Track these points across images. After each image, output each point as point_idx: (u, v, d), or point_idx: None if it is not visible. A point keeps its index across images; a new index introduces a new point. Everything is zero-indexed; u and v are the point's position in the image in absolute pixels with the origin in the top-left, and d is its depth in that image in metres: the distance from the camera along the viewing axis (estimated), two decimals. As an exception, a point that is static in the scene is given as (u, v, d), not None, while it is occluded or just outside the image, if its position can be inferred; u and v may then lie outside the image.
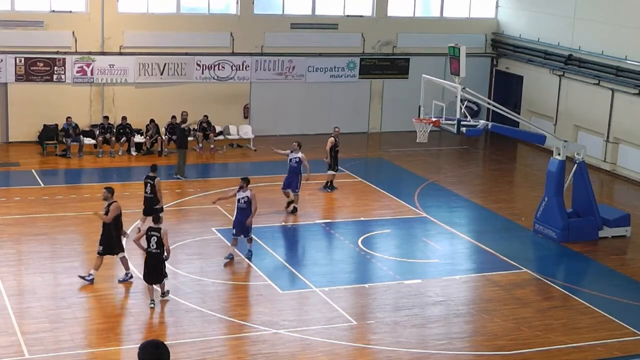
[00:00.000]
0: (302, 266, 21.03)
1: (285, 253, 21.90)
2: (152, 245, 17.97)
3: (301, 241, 23.35)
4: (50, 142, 30.06)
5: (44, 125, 30.35)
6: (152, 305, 18.02)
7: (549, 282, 20.60)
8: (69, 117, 29.92)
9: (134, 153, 30.41)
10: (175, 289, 19.10)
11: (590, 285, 20.79)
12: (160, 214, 18.99)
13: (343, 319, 18.10)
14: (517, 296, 19.71)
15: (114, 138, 30.23)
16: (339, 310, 18.43)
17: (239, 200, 20.82)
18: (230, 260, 20.70)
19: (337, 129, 27.33)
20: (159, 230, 17.98)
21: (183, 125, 28.52)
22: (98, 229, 21.29)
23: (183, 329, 17.35)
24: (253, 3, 33.07)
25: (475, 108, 30.45)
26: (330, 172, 26.75)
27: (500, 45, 36.40)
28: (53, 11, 30.81)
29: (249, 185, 20.90)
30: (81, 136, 30.14)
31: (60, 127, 30.28)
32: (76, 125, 30.17)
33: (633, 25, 29.93)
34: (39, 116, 30.51)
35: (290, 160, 24.74)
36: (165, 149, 30.37)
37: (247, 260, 20.81)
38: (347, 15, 34.51)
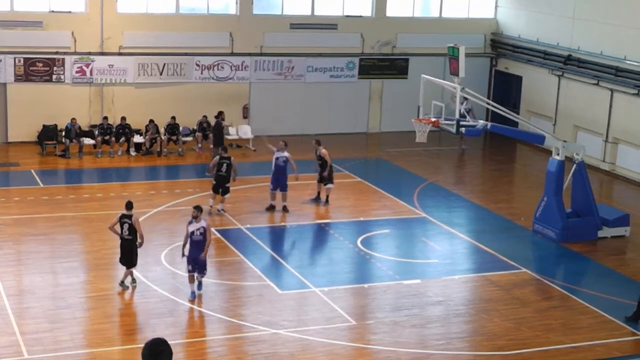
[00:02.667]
0: (301, 266, 21.03)
1: (284, 253, 21.89)
2: (125, 232, 18.88)
3: (301, 241, 23.35)
4: (50, 142, 30.06)
5: (44, 126, 30.34)
6: (122, 287, 18.92)
7: (548, 282, 20.61)
8: (74, 119, 29.85)
9: (133, 153, 30.40)
10: (175, 289, 19.13)
11: (590, 285, 20.80)
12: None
13: (342, 319, 18.11)
14: (517, 296, 19.71)
15: (113, 138, 30.23)
16: (338, 311, 18.44)
17: (192, 232, 18.46)
18: (194, 299, 18.58)
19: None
20: (130, 217, 18.85)
21: (224, 124, 29.18)
22: (97, 228, 21.38)
23: (183, 329, 17.36)
24: (252, 3, 33.07)
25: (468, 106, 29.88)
26: (330, 186, 25.59)
27: (499, 45, 36.41)
28: (52, 11, 30.81)
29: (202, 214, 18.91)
30: (82, 137, 30.15)
31: (60, 128, 30.24)
32: (79, 126, 30.16)
33: (632, 25, 29.93)
34: (38, 116, 30.50)
35: (277, 159, 24.61)
36: (165, 150, 30.37)
37: (190, 300, 18.51)
38: (347, 16, 34.51)
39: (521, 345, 17.25)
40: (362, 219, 24.71)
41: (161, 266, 20.41)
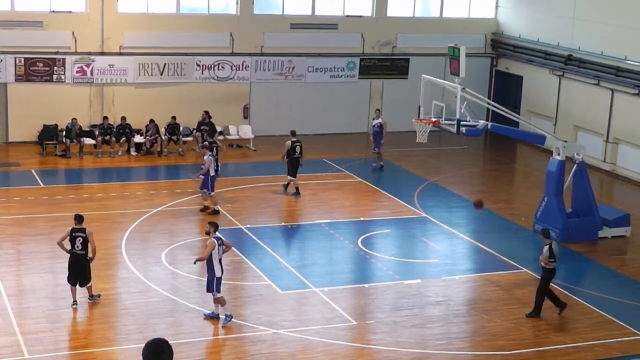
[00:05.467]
0: (301, 266, 21.02)
1: (285, 253, 21.89)
2: (77, 246, 17.71)
3: (301, 241, 23.35)
4: (50, 142, 30.06)
5: (44, 125, 30.34)
6: (75, 306, 17.73)
7: (548, 282, 20.58)
8: (75, 119, 29.86)
9: (133, 153, 30.40)
10: (175, 289, 19.12)
11: (590, 285, 20.80)
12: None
13: (342, 319, 18.10)
14: (517, 296, 19.71)
15: (113, 138, 30.23)
16: (338, 310, 18.43)
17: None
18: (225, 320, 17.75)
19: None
20: (83, 230, 17.74)
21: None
22: (97, 229, 21.35)
23: (183, 329, 17.35)
24: (253, 3, 33.07)
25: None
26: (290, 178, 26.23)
27: (500, 45, 36.41)
28: (53, 11, 30.81)
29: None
30: (82, 137, 30.15)
31: (60, 127, 30.25)
32: (80, 126, 30.16)
33: (633, 25, 29.92)
34: (38, 116, 30.50)
35: (204, 162, 24.24)
36: (165, 149, 30.37)
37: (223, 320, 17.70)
38: (347, 16, 34.51)
39: (521, 346, 17.25)
40: (362, 219, 24.70)
41: (161, 266, 20.40)
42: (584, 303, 19.43)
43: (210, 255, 17.27)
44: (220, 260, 17.42)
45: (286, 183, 26.39)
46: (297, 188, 26.13)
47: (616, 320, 18.54)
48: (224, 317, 17.48)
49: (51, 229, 22.34)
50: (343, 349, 16.82)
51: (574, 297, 19.80)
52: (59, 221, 22.94)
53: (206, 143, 25.44)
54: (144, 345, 7.14)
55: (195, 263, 18.05)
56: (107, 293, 18.70)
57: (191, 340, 16.83)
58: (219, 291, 17.44)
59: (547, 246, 18.57)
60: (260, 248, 21.88)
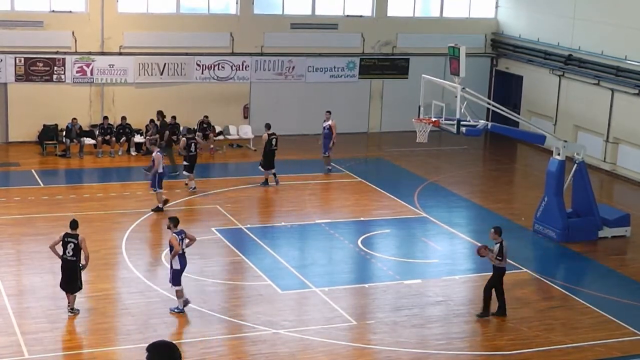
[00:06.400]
0: (302, 266, 21.02)
1: (285, 253, 21.88)
2: (68, 252, 17.39)
3: (301, 241, 23.35)
4: (50, 142, 30.06)
5: (44, 125, 30.34)
6: (71, 314, 17.52)
7: (548, 282, 20.60)
8: (75, 118, 29.85)
9: (133, 153, 30.41)
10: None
11: (590, 285, 20.79)
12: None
13: (343, 319, 18.10)
14: (517, 296, 19.69)
15: (113, 138, 30.24)
16: (338, 310, 18.43)
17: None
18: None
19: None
20: (76, 236, 17.40)
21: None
22: (97, 229, 21.36)
23: (183, 329, 17.35)
24: (253, 3, 33.06)
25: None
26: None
27: (500, 45, 36.40)
28: (53, 11, 30.81)
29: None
30: (82, 137, 30.14)
31: (60, 127, 30.25)
32: (80, 126, 30.16)
33: (633, 25, 29.92)
34: (38, 116, 30.50)
35: (154, 160, 24.35)
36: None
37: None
38: (347, 15, 34.50)
39: (522, 346, 17.24)
40: (362, 218, 24.70)
41: (161, 266, 20.39)
42: (584, 303, 19.43)
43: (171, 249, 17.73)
44: (183, 253, 17.75)
45: (264, 179, 27.04)
46: (274, 174, 27.10)
47: (616, 320, 18.54)
48: (177, 306, 17.82)
49: (51, 229, 22.31)
50: (343, 349, 16.82)
51: (574, 297, 19.79)
52: (59, 221, 22.91)
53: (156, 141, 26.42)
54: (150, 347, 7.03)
55: (172, 259, 17.91)
56: (107, 293, 18.71)
57: (191, 340, 16.83)
58: (177, 284, 17.78)
59: (498, 244, 18.30)
60: (260, 248, 21.88)
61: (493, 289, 18.41)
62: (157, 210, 24.01)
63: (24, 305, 18.17)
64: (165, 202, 24.29)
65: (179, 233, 17.77)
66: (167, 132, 28.96)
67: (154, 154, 24.24)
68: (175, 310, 17.86)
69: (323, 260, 21.71)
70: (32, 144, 30.53)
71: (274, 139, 27.14)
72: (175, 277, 17.80)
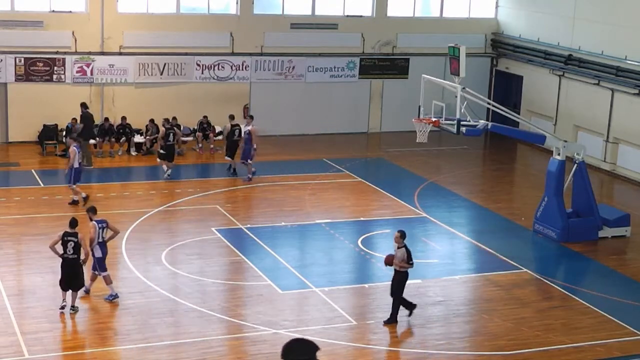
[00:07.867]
0: (302, 266, 21.02)
1: (285, 253, 21.88)
2: (69, 251, 17.53)
3: (301, 241, 23.35)
4: (50, 142, 30.07)
5: (44, 125, 30.34)
6: (72, 311, 17.59)
7: (548, 282, 20.60)
8: (75, 119, 29.81)
9: (133, 153, 30.40)
10: (175, 289, 19.12)
11: (590, 285, 20.79)
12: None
13: (343, 319, 18.10)
14: (517, 296, 19.70)
15: (113, 138, 30.24)
16: (338, 310, 18.43)
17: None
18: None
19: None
20: (76, 235, 17.56)
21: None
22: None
23: (183, 329, 17.34)
24: (253, 3, 33.06)
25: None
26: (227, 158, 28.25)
27: (500, 45, 36.40)
28: (53, 11, 30.80)
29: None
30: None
31: (60, 127, 30.24)
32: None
33: (633, 25, 29.93)
34: (38, 116, 30.51)
35: (69, 155, 24.55)
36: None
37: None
38: (347, 15, 34.50)
39: (522, 346, 17.25)
40: (362, 219, 24.70)
41: (161, 266, 20.40)
42: (584, 303, 19.43)
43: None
44: (103, 242, 18.26)
45: (230, 165, 28.17)
46: (234, 169, 28.04)
47: (616, 320, 18.54)
48: (110, 293, 18.30)
49: (51, 229, 22.31)
50: (343, 349, 16.81)
51: (574, 297, 19.79)
52: (59, 221, 22.92)
53: (74, 134, 26.86)
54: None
55: (91, 247, 18.08)
56: (107, 293, 18.68)
57: (191, 340, 16.82)
58: (103, 270, 18.30)
59: (403, 248, 17.61)
60: (260, 248, 21.88)
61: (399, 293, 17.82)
62: (73, 203, 24.29)
63: (24, 305, 18.17)
64: (86, 198, 24.31)
65: (99, 222, 18.33)
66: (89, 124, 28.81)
67: (70, 149, 24.46)
68: (110, 299, 18.26)
69: (323, 260, 21.71)
70: (32, 144, 30.54)
71: (237, 130, 27.96)
72: (100, 264, 18.29)
